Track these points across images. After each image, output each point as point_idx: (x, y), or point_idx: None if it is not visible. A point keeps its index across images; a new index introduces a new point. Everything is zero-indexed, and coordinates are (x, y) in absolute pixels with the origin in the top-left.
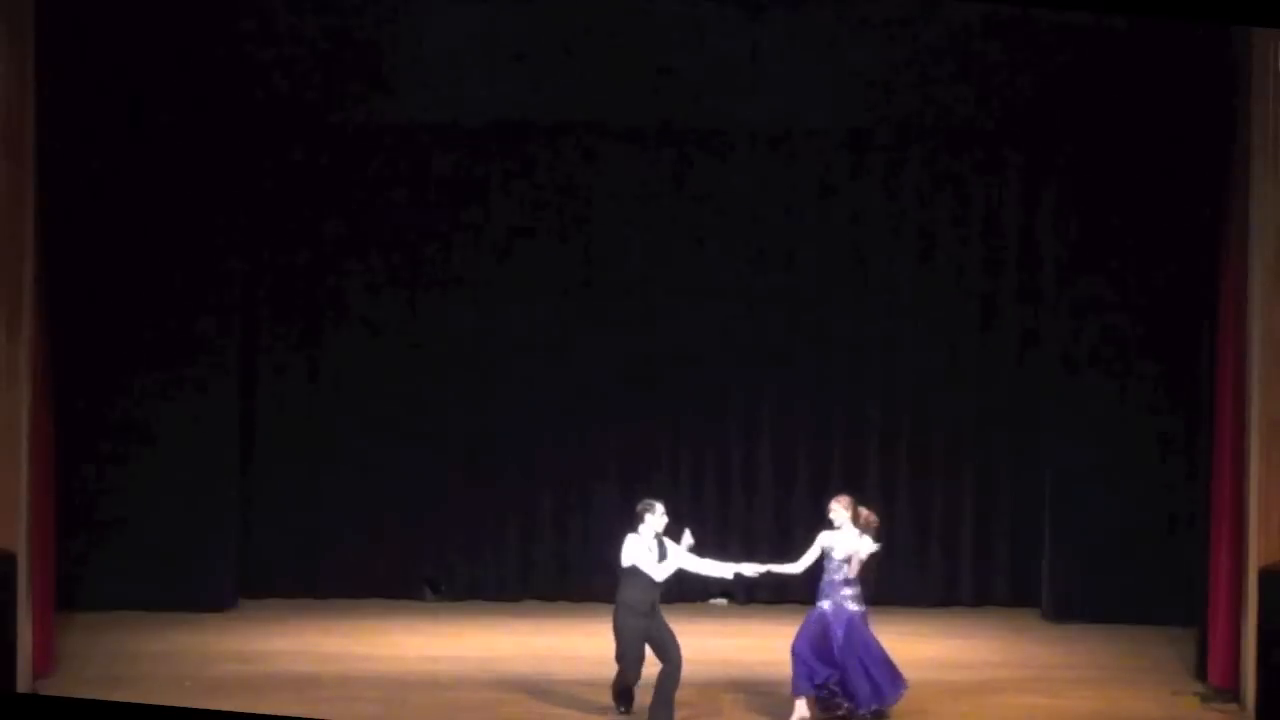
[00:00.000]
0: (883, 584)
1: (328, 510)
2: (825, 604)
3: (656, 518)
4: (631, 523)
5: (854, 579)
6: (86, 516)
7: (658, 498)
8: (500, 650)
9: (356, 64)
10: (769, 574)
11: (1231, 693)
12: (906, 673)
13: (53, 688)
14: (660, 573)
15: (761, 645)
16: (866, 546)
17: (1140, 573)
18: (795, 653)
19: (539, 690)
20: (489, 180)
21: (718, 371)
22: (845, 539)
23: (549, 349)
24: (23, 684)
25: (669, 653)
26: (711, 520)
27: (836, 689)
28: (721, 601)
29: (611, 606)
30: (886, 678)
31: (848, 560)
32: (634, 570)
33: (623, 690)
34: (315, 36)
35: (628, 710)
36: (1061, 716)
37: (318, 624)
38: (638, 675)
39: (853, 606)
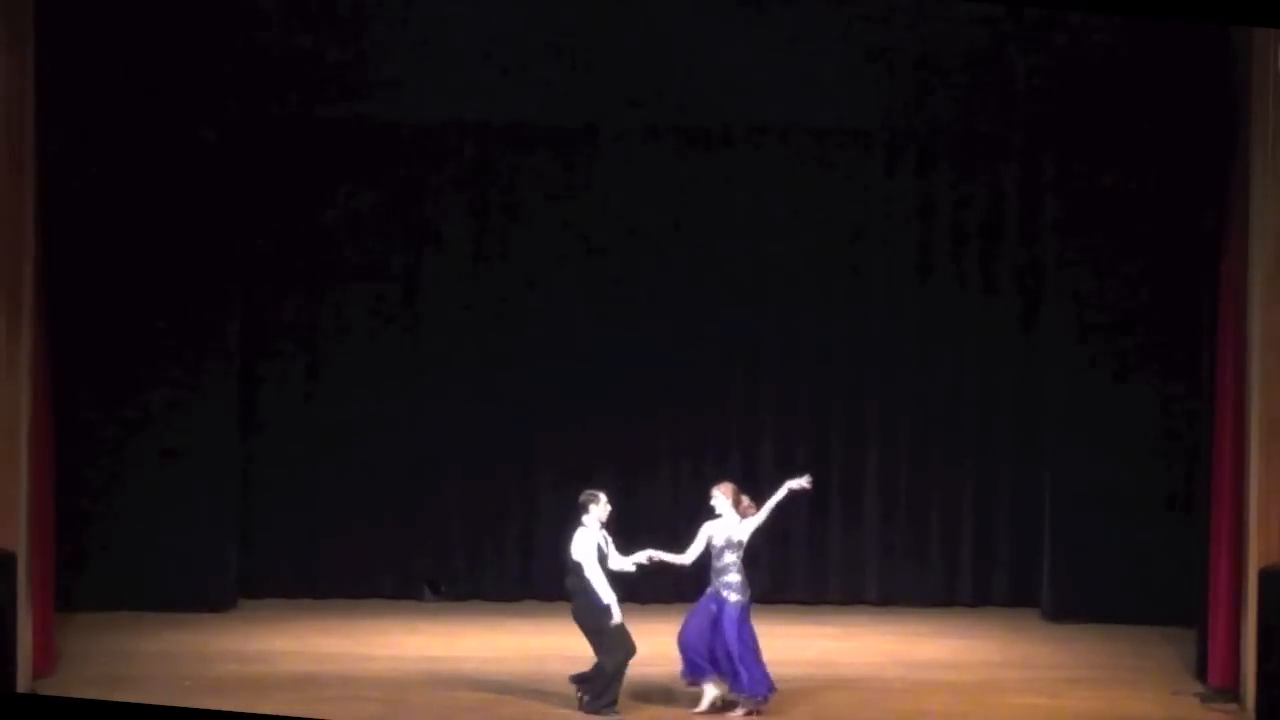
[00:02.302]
0: (883, 584)
1: (328, 510)
2: (711, 591)
3: (600, 507)
4: (576, 514)
5: (737, 569)
6: (86, 516)
7: (608, 490)
8: (500, 650)
9: (359, 63)
10: (660, 562)
11: (1231, 693)
12: (907, 672)
13: (53, 688)
14: (613, 564)
15: (761, 645)
16: (745, 530)
17: (1140, 573)
18: (684, 644)
19: (539, 690)
20: (490, 178)
21: (718, 372)
22: (725, 526)
23: (549, 349)
24: (23, 684)
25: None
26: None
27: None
28: None
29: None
30: (758, 674)
31: (729, 547)
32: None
33: (610, 680)
34: (318, 36)
35: (615, 702)
36: (1061, 716)
37: (318, 624)
38: (627, 654)
39: (733, 598)
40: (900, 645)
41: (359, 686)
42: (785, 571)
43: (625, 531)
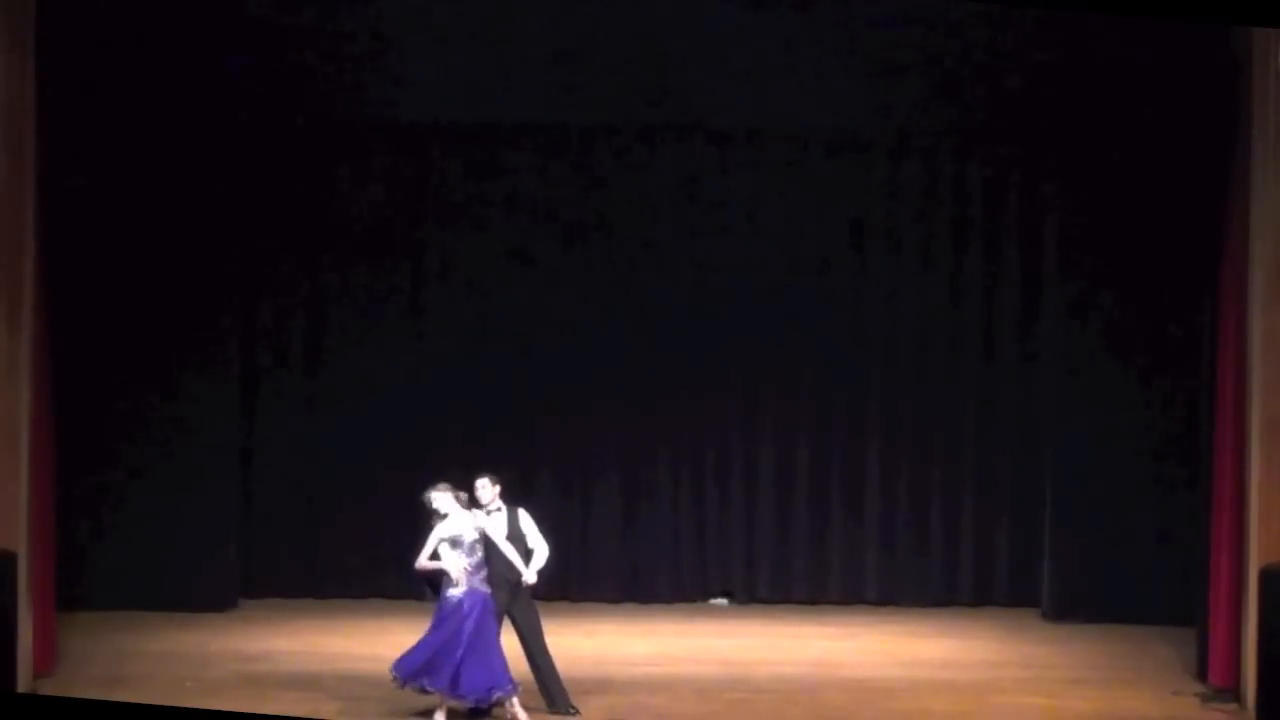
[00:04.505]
0: (883, 584)
1: (328, 510)
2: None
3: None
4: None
5: (482, 563)
6: (86, 516)
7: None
8: None
9: (359, 62)
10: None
11: (1231, 693)
12: (907, 672)
13: (53, 687)
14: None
15: (762, 645)
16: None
17: (1140, 573)
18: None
19: (537, 689)
20: (491, 179)
21: (718, 372)
22: (485, 522)
23: (549, 349)
24: (23, 684)
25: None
26: (712, 519)
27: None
28: (722, 602)
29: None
30: (502, 669)
31: (479, 542)
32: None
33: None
34: (318, 35)
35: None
36: (1061, 716)
37: (318, 624)
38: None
39: (485, 589)
40: (900, 645)
41: (359, 686)
42: (785, 571)
43: (624, 530)
